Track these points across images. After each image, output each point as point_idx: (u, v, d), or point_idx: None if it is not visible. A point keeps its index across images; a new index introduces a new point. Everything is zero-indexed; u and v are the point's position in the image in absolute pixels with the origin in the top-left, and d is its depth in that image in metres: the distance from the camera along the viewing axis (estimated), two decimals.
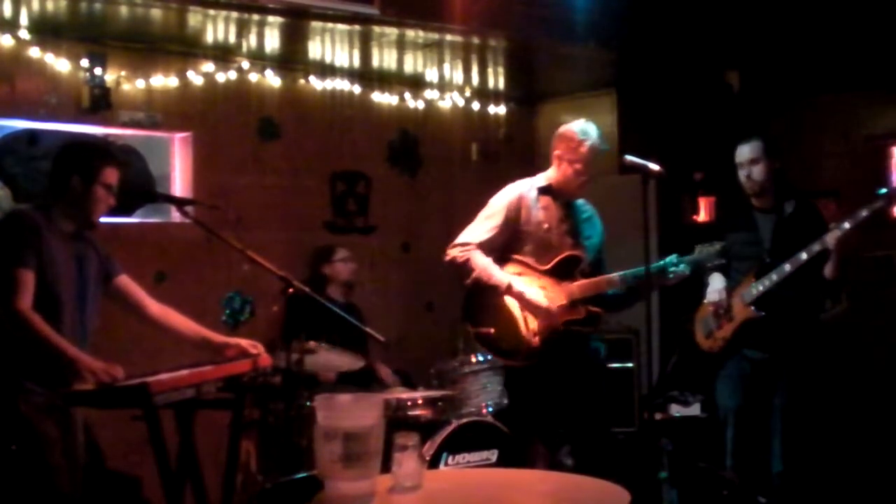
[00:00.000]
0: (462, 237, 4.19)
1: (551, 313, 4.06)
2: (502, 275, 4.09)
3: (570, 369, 4.13)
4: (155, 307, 3.82)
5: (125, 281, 3.78)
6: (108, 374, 3.27)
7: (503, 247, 4.19)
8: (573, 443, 4.23)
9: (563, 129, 4.20)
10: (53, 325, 3.38)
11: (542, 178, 4.25)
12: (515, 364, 4.17)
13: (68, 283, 3.49)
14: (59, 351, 3.31)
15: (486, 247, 4.14)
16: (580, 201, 4.31)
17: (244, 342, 3.78)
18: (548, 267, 4.14)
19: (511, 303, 4.10)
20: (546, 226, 4.17)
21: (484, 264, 4.10)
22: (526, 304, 4.06)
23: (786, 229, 4.34)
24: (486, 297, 4.12)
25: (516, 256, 4.18)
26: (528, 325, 4.09)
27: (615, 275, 4.09)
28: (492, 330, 4.12)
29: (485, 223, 4.19)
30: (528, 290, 4.07)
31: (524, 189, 4.21)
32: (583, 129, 4.13)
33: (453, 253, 4.16)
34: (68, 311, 3.48)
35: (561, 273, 4.14)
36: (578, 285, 4.11)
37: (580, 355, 4.20)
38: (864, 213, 4.02)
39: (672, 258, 4.09)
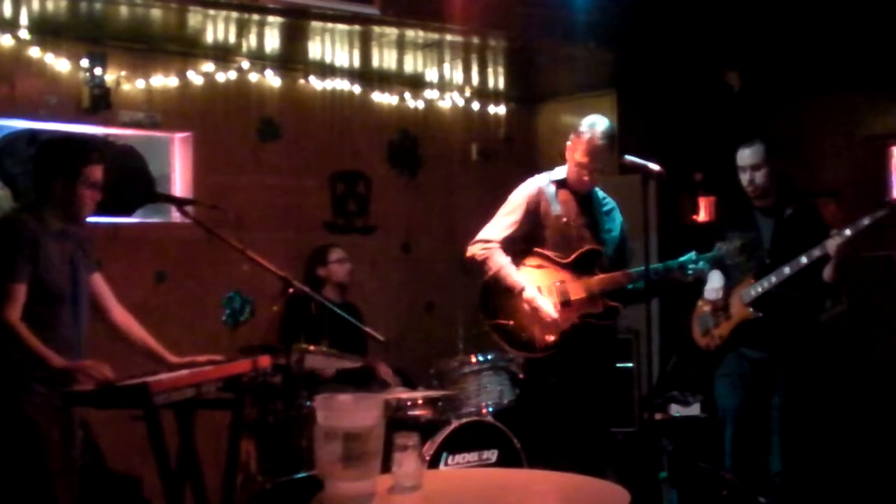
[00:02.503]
0: (483, 234, 4.24)
1: (557, 325, 4.11)
2: (518, 277, 4.14)
3: (587, 362, 4.17)
4: (119, 314, 3.79)
5: (97, 280, 3.74)
6: (99, 372, 3.26)
7: (525, 239, 4.24)
8: (574, 440, 4.22)
9: (577, 124, 4.23)
10: (52, 325, 3.39)
11: (559, 172, 4.29)
12: (533, 356, 4.21)
13: (64, 281, 3.49)
14: (45, 360, 3.30)
15: (507, 242, 4.20)
16: (601, 194, 4.34)
17: (201, 359, 3.69)
18: (568, 260, 4.19)
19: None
20: (564, 219, 4.21)
21: (501, 264, 4.15)
22: (534, 312, 4.10)
23: (786, 231, 4.34)
24: (504, 291, 4.17)
25: (537, 249, 4.22)
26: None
27: (633, 270, 4.14)
28: (511, 322, 4.17)
29: (505, 219, 4.24)
30: (541, 299, 4.11)
31: (543, 183, 4.27)
32: (589, 122, 4.18)
33: (474, 250, 4.22)
34: (66, 311, 3.49)
35: (581, 267, 4.19)
36: (598, 280, 4.16)
37: (599, 348, 4.23)
38: (866, 221, 4.03)
39: (691, 255, 4.15)
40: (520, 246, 4.23)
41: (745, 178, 4.40)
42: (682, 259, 4.17)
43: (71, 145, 3.63)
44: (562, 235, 4.20)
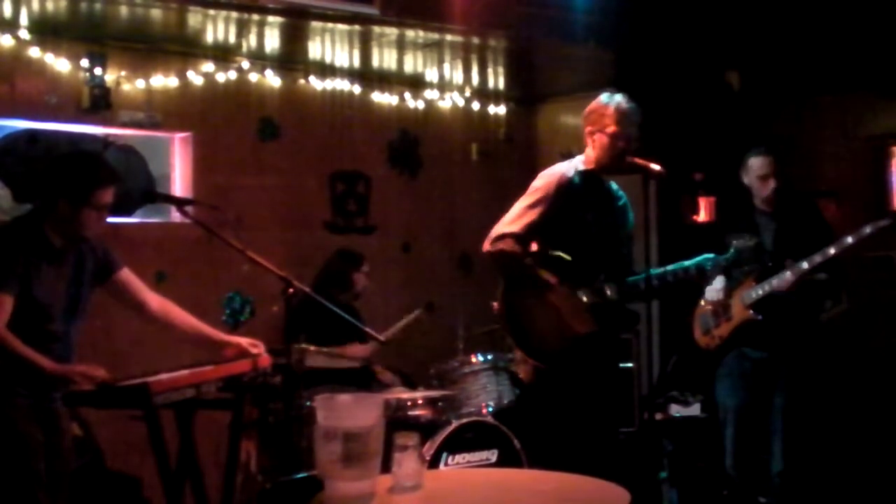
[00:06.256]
0: (503, 227, 3.85)
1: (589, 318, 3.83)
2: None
3: (602, 363, 3.91)
4: (155, 302, 3.72)
5: (126, 275, 3.65)
6: (94, 374, 3.24)
7: (545, 234, 3.89)
8: (582, 441, 4.05)
9: (587, 108, 3.94)
10: (40, 340, 3.32)
11: (581, 163, 3.95)
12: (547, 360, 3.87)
13: (58, 302, 3.40)
14: (35, 366, 3.25)
15: (528, 239, 3.85)
16: (614, 186, 4.04)
17: (244, 341, 3.74)
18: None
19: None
20: (589, 216, 3.90)
21: (530, 259, 3.84)
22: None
23: (787, 232, 4.35)
24: (528, 287, 3.84)
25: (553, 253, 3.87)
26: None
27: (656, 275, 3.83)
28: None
29: (529, 212, 3.85)
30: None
31: (569, 174, 3.92)
32: (606, 95, 3.91)
33: (502, 245, 3.82)
34: (56, 328, 3.41)
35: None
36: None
37: (612, 349, 4.02)
38: (868, 230, 4.04)
39: (708, 256, 3.83)
40: (539, 243, 3.87)
41: (754, 186, 4.43)
42: (697, 260, 3.83)
43: (82, 166, 3.47)
44: (584, 234, 3.88)
